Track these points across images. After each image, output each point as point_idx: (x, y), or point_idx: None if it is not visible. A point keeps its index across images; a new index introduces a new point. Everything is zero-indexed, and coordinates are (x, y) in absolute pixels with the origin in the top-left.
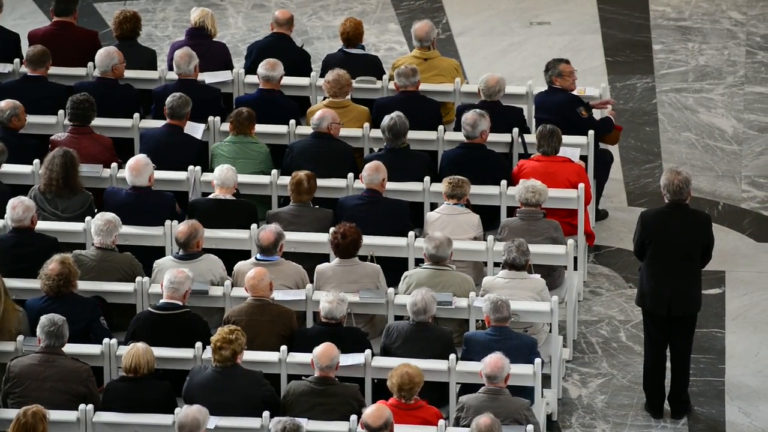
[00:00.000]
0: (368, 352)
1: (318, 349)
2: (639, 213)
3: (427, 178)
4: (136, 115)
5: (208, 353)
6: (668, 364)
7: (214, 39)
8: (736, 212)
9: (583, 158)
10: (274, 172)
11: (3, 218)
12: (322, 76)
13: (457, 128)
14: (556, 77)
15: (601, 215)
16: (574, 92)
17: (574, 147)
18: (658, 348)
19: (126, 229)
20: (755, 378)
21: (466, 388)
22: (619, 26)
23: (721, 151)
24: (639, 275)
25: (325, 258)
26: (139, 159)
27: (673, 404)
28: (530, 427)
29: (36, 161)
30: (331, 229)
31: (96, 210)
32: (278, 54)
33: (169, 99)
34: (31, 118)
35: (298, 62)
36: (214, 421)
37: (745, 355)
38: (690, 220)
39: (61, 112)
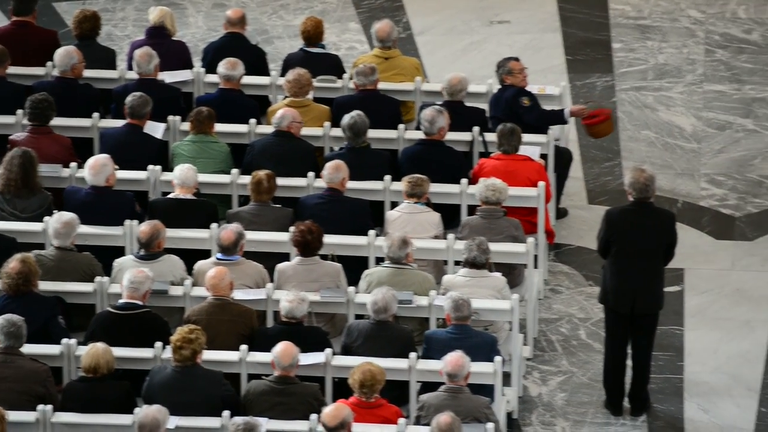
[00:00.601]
0: (329, 351)
1: (278, 348)
2: (599, 211)
3: (387, 177)
4: (96, 114)
5: (168, 353)
6: (629, 362)
7: (173, 38)
8: (694, 210)
9: (544, 157)
10: (235, 171)
11: None
12: (282, 75)
13: (419, 127)
14: (506, 75)
15: (561, 213)
16: (535, 91)
17: (534, 145)
18: (618, 345)
19: (85, 228)
20: (714, 375)
21: (427, 387)
22: (579, 25)
23: (681, 149)
24: (602, 273)
25: (285, 257)
26: (98, 158)
27: (632, 402)
28: (490, 425)
29: None
30: (292, 228)
31: (55, 210)
32: (233, 53)
33: (129, 98)
34: None
35: (253, 60)
36: (174, 421)
37: (703, 352)
38: (655, 219)
39: (19, 111)
